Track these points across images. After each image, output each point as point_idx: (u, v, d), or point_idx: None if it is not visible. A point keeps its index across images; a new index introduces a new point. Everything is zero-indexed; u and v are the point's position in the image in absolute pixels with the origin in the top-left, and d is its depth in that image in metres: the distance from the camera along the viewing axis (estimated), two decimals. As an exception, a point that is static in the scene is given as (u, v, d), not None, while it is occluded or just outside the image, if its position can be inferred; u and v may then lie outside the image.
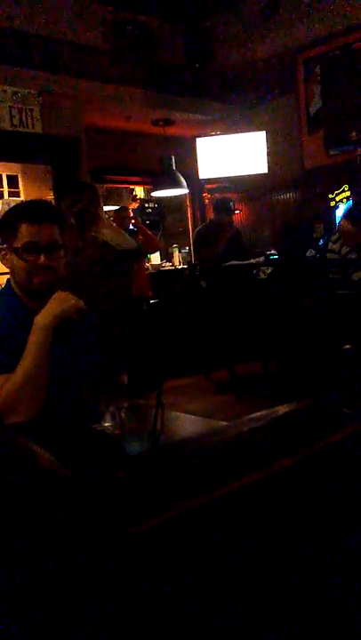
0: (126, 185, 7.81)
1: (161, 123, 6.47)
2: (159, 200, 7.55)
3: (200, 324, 5.51)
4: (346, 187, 5.60)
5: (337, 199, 5.67)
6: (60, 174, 5.49)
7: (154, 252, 6.53)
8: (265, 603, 0.87)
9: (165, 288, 6.49)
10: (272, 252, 5.67)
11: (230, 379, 5.10)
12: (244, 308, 5.04)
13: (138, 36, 5.75)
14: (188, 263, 7.15)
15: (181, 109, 6.34)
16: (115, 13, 5.64)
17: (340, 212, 5.60)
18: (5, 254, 1.77)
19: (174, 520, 0.81)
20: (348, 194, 5.57)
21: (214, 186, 7.44)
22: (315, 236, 5.85)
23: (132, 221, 5.26)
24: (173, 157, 6.32)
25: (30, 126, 5.06)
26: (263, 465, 0.92)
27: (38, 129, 5.11)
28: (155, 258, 7.41)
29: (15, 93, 4.98)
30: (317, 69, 5.95)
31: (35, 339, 1.63)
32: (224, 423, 1.77)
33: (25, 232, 1.72)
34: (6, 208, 5.72)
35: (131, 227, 5.09)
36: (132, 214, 5.61)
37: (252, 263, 5.33)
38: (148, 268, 6.59)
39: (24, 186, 6.81)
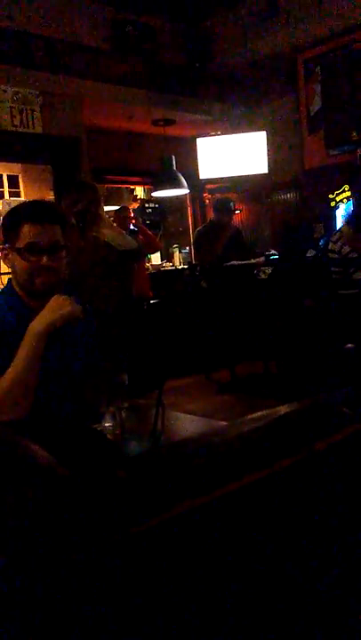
0: (127, 185, 7.81)
1: (161, 123, 6.47)
2: (160, 200, 7.56)
3: (200, 325, 5.52)
4: (346, 187, 5.60)
5: (337, 199, 5.67)
6: (60, 174, 5.49)
7: (154, 253, 6.53)
8: (265, 602, 0.87)
9: (166, 288, 6.49)
10: (272, 252, 5.67)
11: (231, 379, 5.10)
12: (245, 308, 5.04)
13: (138, 36, 5.75)
14: (189, 263, 7.15)
15: (182, 109, 6.34)
16: (115, 13, 5.64)
17: (340, 213, 5.60)
18: (7, 254, 1.77)
19: (175, 520, 0.81)
20: (348, 194, 5.57)
21: (215, 186, 7.44)
22: (315, 236, 5.85)
23: (133, 221, 5.27)
24: (174, 157, 6.31)
25: (31, 126, 5.07)
26: (263, 465, 0.92)
27: (39, 129, 5.11)
28: (155, 258, 7.41)
29: (16, 93, 4.98)
30: (318, 69, 5.95)
31: (26, 345, 1.63)
32: (224, 423, 1.77)
33: (27, 233, 1.71)
34: (7, 208, 5.74)
35: (131, 227, 5.09)
36: (132, 214, 5.62)
37: (253, 263, 5.34)
38: (148, 268, 6.59)
39: (24, 186, 6.81)
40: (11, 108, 4.94)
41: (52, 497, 0.91)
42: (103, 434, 1.72)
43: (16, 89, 4.96)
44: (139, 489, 0.91)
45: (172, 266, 7.51)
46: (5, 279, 1.95)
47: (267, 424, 1.11)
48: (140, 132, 6.73)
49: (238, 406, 4.46)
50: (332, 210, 5.69)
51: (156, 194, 6.76)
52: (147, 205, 7.73)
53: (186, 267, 7.11)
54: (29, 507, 0.85)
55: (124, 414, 1.75)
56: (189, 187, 6.50)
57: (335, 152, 5.87)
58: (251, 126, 6.62)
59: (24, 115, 5.02)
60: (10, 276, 1.85)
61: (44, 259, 1.71)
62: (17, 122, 4.97)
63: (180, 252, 7.70)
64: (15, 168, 6.70)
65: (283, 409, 1.15)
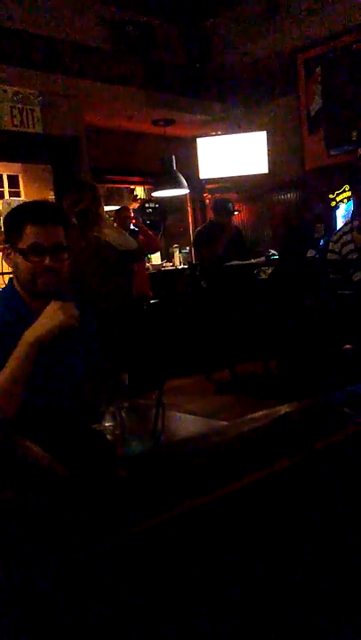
0: (127, 185, 7.81)
1: (161, 123, 6.47)
2: (160, 200, 7.55)
3: (201, 324, 5.52)
4: (346, 187, 5.60)
5: (337, 199, 5.67)
6: (60, 174, 5.50)
7: (154, 253, 6.53)
8: (265, 602, 0.87)
9: (166, 288, 6.49)
10: (272, 252, 5.67)
11: (231, 379, 5.10)
12: (245, 308, 5.04)
13: (138, 36, 5.75)
14: (189, 263, 7.15)
15: (182, 109, 6.34)
16: (115, 13, 5.65)
17: (340, 213, 5.60)
18: (9, 254, 1.77)
19: (175, 520, 0.81)
20: (348, 194, 5.57)
21: (215, 186, 7.44)
22: (315, 236, 5.85)
23: (133, 221, 5.27)
24: (174, 157, 6.31)
25: (31, 126, 5.06)
26: (264, 465, 0.92)
27: (39, 129, 5.11)
28: (155, 258, 7.40)
29: (16, 93, 4.98)
30: (318, 69, 5.95)
31: (18, 354, 1.62)
32: (225, 423, 1.77)
33: (30, 233, 1.71)
34: (7, 208, 5.74)
35: (132, 227, 5.09)
36: (132, 214, 5.62)
37: (253, 263, 5.33)
38: (148, 268, 6.58)
39: (25, 186, 6.81)
40: (11, 107, 4.94)
41: (51, 497, 0.91)
42: (102, 434, 1.72)
43: (16, 89, 4.96)
44: (139, 489, 0.91)
45: (173, 266, 7.50)
46: (7, 279, 1.94)
47: (267, 424, 1.11)
48: (140, 131, 6.73)
49: (238, 406, 4.45)
50: (333, 210, 5.69)
51: (156, 194, 6.75)
52: (147, 205, 7.73)
53: (186, 267, 7.11)
54: (29, 506, 0.85)
55: (124, 414, 1.75)
56: (189, 187, 6.50)
57: (335, 152, 5.87)
58: (251, 126, 6.62)
59: (24, 114, 5.01)
60: (10, 275, 1.85)
61: (47, 260, 1.71)
62: (17, 122, 4.97)
63: (180, 251, 7.70)
64: (15, 168, 6.70)
65: (283, 409, 1.15)
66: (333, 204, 5.70)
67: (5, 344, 1.67)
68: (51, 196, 5.79)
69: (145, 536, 0.78)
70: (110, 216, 4.68)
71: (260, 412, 1.14)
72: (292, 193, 6.74)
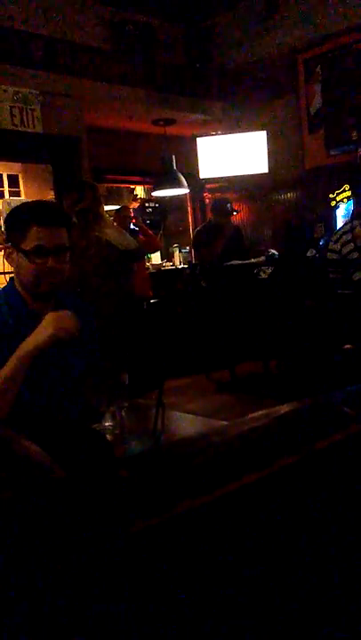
0: (127, 184, 7.81)
1: (161, 122, 6.47)
2: (160, 200, 7.55)
3: (201, 324, 5.51)
4: (346, 187, 5.60)
5: (337, 199, 5.67)
6: (60, 174, 5.49)
7: (155, 252, 6.53)
8: (265, 602, 0.87)
9: (166, 288, 6.49)
10: (272, 251, 5.67)
11: (231, 379, 5.10)
12: (245, 307, 5.04)
13: (138, 35, 5.75)
14: (189, 263, 7.15)
15: (182, 109, 6.34)
16: (115, 13, 5.65)
17: (340, 212, 5.60)
18: (11, 253, 1.76)
19: (175, 520, 0.81)
20: (348, 194, 5.57)
21: (215, 185, 7.44)
22: (315, 235, 5.85)
23: (133, 221, 5.27)
24: (174, 157, 6.31)
25: (31, 126, 5.06)
26: (264, 465, 0.92)
27: (39, 128, 5.11)
28: (155, 257, 7.40)
29: (16, 93, 4.98)
30: (318, 69, 5.95)
31: (11, 364, 1.61)
32: (224, 423, 1.77)
33: (35, 235, 1.70)
34: (7, 207, 5.73)
35: (132, 226, 5.09)
36: (132, 214, 5.62)
37: (253, 263, 5.33)
38: (148, 268, 6.58)
39: (25, 185, 6.81)
40: (11, 107, 4.94)
41: (51, 497, 0.91)
42: (102, 434, 1.72)
43: (16, 88, 4.96)
44: (139, 489, 0.91)
45: (173, 265, 7.50)
46: (7, 278, 1.93)
47: (267, 424, 1.11)
48: (140, 131, 6.73)
49: (238, 406, 4.45)
50: (333, 210, 5.70)
51: (156, 193, 6.75)
52: (147, 205, 7.73)
53: (186, 266, 7.11)
54: (29, 506, 0.85)
55: (124, 414, 1.75)
56: (189, 186, 6.50)
57: (335, 152, 5.87)
58: (251, 126, 6.62)
59: (24, 114, 5.01)
60: (10, 275, 1.85)
61: (50, 261, 1.71)
62: (17, 121, 4.97)
63: (180, 251, 7.70)
64: (15, 167, 6.70)
65: (283, 409, 1.15)
66: (333, 203, 5.70)
67: (5, 344, 1.67)
68: (51, 196, 5.79)
69: (145, 536, 0.78)
70: (110, 216, 4.68)
71: (260, 412, 1.14)
72: (291, 193, 6.74)
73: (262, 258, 5.44)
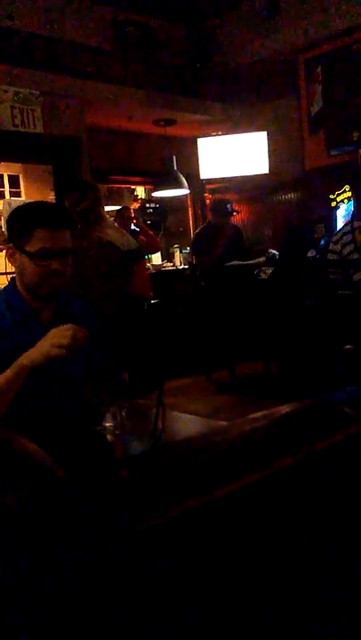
0: (127, 185, 7.81)
1: (162, 123, 6.47)
2: (160, 200, 7.56)
3: (201, 325, 5.52)
4: (347, 187, 5.59)
5: (338, 200, 5.67)
6: (61, 174, 5.50)
7: (155, 252, 6.53)
8: (265, 602, 0.87)
9: (166, 288, 6.49)
10: (273, 252, 5.67)
11: (231, 379, 5.10)
12: (245, 308, 5.04)
13: (139, 36, 5.75)
14: (189, 263, 7.15)
15: (182, 109, 6.34)
16: (115, 13, 5.65)
17: (340, 213, 5.60)
18: (13, 254, 1.74)
19: (175, 520, 0.81)
20: (348, 194, 5.57)
21: (215, 186, 7.44)
22: (316, 236, 5.84)
23: (134, 221, 5.27)
24: (175, 157, 6.31)
25: (32, 126, 5.07)
26: (264, 465, 0.92)
27: (40, 129, 5.11)
28: (156, 258, 7.40)
29: (17, 94, 4.98)
30: (318, 70, 5.95)
31: (8, 375, 1.59)
32: (224, 423, 1.77)
33: (40, 237, 1.69)
34: (7, 208, 5.73)
35: (132, 227, 5.09)
36: (133, 214, 5.62)
37: (253, 263, 5.33)
38: (149, 268, 6.58)
39: (25, 186, 6.83)
40: (11, 107, 4.94)
41: (52, 498, 0.91)
42: (102, 435, 1.72)
43: (17, 89, 4.96)
44: (139, 489, 0.91)
45: (173, 266, 7.50)
46: (9, 278, 1.93)
47: (267, 424, 1.11)
48: (140, 131, 6.73)
49: (238, 406, 4.46)
50: (333, 210, 5.69)
51: (156, 194, 6.76)
52: (147, 205, 7.73)
53: (186, 267, 7.12)
54: (30, 507, 0.85)
55: (124, 414, 1.75)
56: (190, 187, 6.50)
57: (336, 152, 5.87)
58: (251, 126, 6.62)
59: (25, 115, 5.01)
60: (9, 276, 1.85)
61: (54, 264, 1.70)
62: (18, 122, 4.97)
63: (180, 252, 7.70)
64: (16, 168, 6.71)
65: (283, 409, 1.15)
66: (334, 204, 5.70)
67: (6, 344, 1.67)
68: (51, 197, 5.80)
69: (145, 536, 0.78)
70: (111, 216, 4.68)
71: (261, 412, 1.14)
72: (292, 193, 6.74)
73: (262, 258, 5.44)
